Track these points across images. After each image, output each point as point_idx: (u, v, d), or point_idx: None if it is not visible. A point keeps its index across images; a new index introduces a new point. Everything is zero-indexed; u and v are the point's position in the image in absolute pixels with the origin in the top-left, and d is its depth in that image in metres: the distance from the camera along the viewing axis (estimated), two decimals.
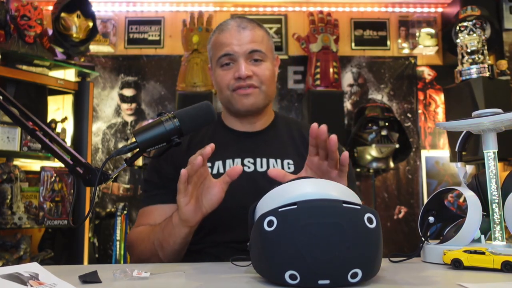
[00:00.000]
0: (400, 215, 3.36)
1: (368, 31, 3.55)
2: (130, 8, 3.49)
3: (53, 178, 2.35)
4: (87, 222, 2.60)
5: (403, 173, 3.40)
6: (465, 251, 0.78)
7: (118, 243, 2.89)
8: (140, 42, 3.46)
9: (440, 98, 3.47)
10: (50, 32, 2.53)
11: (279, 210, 0.64)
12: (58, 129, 2.55)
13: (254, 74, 1.15)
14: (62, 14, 2.52)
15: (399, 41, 3.53)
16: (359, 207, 0.64)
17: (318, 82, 3.15)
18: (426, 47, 3.43)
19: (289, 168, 1.17)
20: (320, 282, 0.61)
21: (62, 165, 1.04)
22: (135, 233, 1.14)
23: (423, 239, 0.91)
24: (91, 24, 2.63)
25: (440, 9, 3.55)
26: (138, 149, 0.87)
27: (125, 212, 2.96)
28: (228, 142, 1.20)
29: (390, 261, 0.89)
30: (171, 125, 0.87)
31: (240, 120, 1.23)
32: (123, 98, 3.41)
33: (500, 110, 0.87)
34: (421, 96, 3.50)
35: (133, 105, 3.41)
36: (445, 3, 3.50)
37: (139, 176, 3.30)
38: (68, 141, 2.54)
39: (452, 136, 2.90)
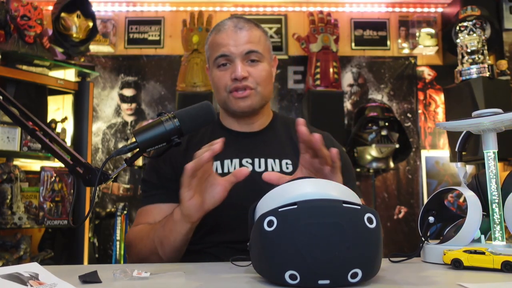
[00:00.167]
0: (400, 215, 3.36)
1: (368, 31, 3.55)
2: (130, 8, 3.49)
3: (53, 178, 2.35)
4: (87, 222, 2.61)
5: (403, 173, 3.40)
6: (465, 251, 0.78)
7: (118, 243, 2.89)
8: (140, 42, 3.47)
9: (440, 98, 3.47)
10: (50, 32, 2.53)
11: (279, 210, 0.64)
12: (58, 129, 2.55)
13: (250, 75, 1.15)
14: (62, 14, 2.52)
15: (399, 41, 3.53)
16: (359, 207, 0.64)
17: (318, 82, 3.15)
18: (426, 47, 3.43)
19: (287, 168, 1.17)
20: (320, 282, 0.61)
21: (62, 165, 1.04)
22: (133, 232, 1.14)
23: (423, 239, 0.91)
24: (91, 24, 2.63)
25: (440, 9, 3.55)
26: (138, 149, 0.87)
27: (125, 212, 2.96)
28: (227, 143, 1.19)
29: (390, 261, 0.89)
30: (171, 125, 0.87)
31: (238, 121, 1.23)
32: (123, 98, 3.41)
33: (500, 110, 0.87)
34: (421, 96, 3.50)
35: (133, 105, 3.41)
36: (445, 3, 3.50)
37: (139, 176, 3.30)
38: (68, 141, 2.54)
39: (452, 136, 2.90)
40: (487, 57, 2.84)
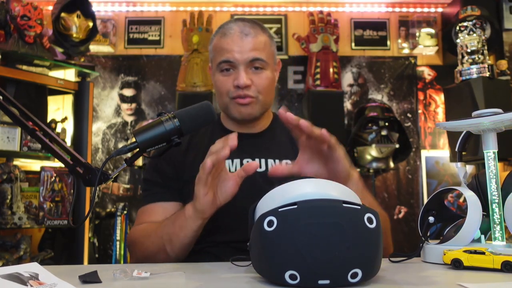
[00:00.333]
0: (400, 215, 3.36)
1: (368, 31, 3.55)
2: (130, 8, 3.49)
3: (53, 178, 2.35)
4: (87, 222, 2.61)
5: (403, 173, 3.40)
6: (465, 251, 0.78)
7: (118, 243, 2.89)
8: (140, 42, 3.47)
9: (440, 98, 3.47)
10: (50, 32, 2.53)
11: (279, 210, 0.64)
12: (58, 129, 2.56)
13: (252, 83, 1.15)
14: (62, 14, 2.52)
15: (399, 41, 3.53)
16: (359, 207, 0.64)
17: (318, 82, 3.15)
18: (426, 47, 3.43)
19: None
20: (320, 282, 0.61)
21: (62, 165, 1.04)
22: (137, 231, 1.13)
23: (423, 239, 0.91)
24: (91, 24, 2.63)
25: (440, 9, 3.55)
26: (138, 149, 0.87)
27: (125, 212, 2.96)
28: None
29: (390, 261, 0.89)
30: (171, 125, 0.87)
31: (239, 123, 1.24)
32: (123, 98, 3.41)
33: (500, 110, 0.87)
34: (421, 96, 3.50)
35: (133, 105, 3.41)
36: (445, 3, 3.50)
37: (139, 176, 3.31)
38: (68, 141, 2.54)
39: (452, 136, 2.90)
40: (487, 57, 2.84)
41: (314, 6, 3.50)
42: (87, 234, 2.48)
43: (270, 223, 0.63)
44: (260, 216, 0.65)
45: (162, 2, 3.49)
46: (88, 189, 2.41)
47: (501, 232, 0.87)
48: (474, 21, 2.91)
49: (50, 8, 2.82)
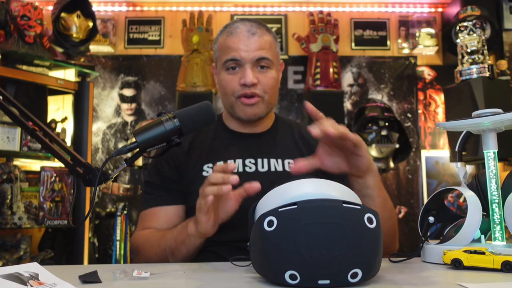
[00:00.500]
0: (400, 215, 3.36)
1: (368, 31, 3.55)
2: (130, 8, 3.49)
3: (53, 178, 2.35)
4: (87, 222, 2.61)
5: (403, 173, 3.40)
6: (465, 251, 0.78)
7: (118, 243, 2.89)
8: (140, 42, 3.46)
9: (440, 98, 3.47)
10: (50, 32, 2.53)
11: (279, 210, 0.64)
12: (58, 129, 2.56)
13: (258, 82, 1.15)
14: (62, 14, 2.52)
15: (399, 41, 3.53)
16: (359, 207, 0.64)
17: (318, 82, 3.15)
18: (426, 47, 3.42)
19: (290, 168, 1.17)
20: (320, 282, 0.61)
21: (62, 165, 1.04)
22: (141, 237, 1.14)
23: (423, 239, 0.91)
24: (91, 24, 2.64)
25: (440, 9, 3.55)
26: (138, 149, 0.87)
27: (125, 212, 2.96)
28: (230, 143, 1.21)
29: (390, 261, 0.89)
30: (171, 125, 0.87)
31: (242, 123, 1.24)
32: (123, 98, 3.41)
33: (500, 110, 0.87)
34: (421, 96, 3.50)
35: (133, 105, 3.41)
36: (445, 3, 3.50)
37: (139, 176, 3.30)
38: (68, 141, 2.54)
39: (452, 136, 2.90)
40: (487, 57, 2.84)
41: (314, 6, 3.49)
42: (87, 234, 2.48)
43: (270, 223, 0.63)
44: (260, 216, 0.65)
45: (162, 2, 3.49)
46: (88, 189, 2.41)
47: (501, 232, 0.87)
48: (474, 21, 2.91)
49: (50, 8, 2.82)
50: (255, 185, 0.91)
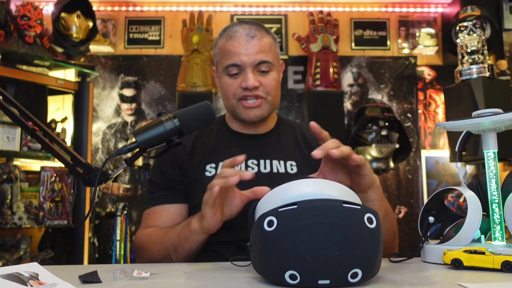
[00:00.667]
0: (400, 215, 3.36)
1: (368, 31, 3.55)
2: (130, 8, 3.49)
3: (53, 178, 2.35)
4: (87, 222, 2.61)
5: (403, 173, 3.40)
6: (465, 251, 0.78)
7: (118, 243, 2.89)
8: (140, 42, 3.47)
9: (440, 98, 3.47)
10: (50, 32, 2.53)
11: (279, 210, 0.64)
12: (58, 129, 2.56)
13: (260, 85, 1.16)
14: (62, 14, 2.52)
15: (399, 41, 3.53)
16: (359, 207, 0.64)
17: (318, 82, 3.15)
18: (426, 47, 3.43)
19: (292, 169, 1.18)
20: (320, 282, 0.61)
21: (62, 165, 1.04)
22: (144, 236, 1.14)
23: (423, 239, 0.91)
24: (91, 24, 2.63)
25: (440, 9, 3.55)
26: (138, 149, 0.87)
27: (125, 212, 2.95)
28: (232, 144, 1.22)
29: (390, 261, 0.89)
30: (171, 125, 0.87)
31: (245, 124, 1.24)
32: (123, 98, 3.41)
33: (500, 110, 0.87)
34: (421, 96, 3.50)
35: (133, 105, 3.41)
36: (445, 3, 3.50)
37: (139, 176, 3.30)
38: (68, 141, 2.54)
39: (452, 136, 2.90)
40: (487, 57, 2.84)
41: (314, 6, 3.49)
42: (87, 234, 2.48)
43: (270, 223, 0.63)
44: (260, 216, 0.65)
45: (162, 2, 3.49)
46: (88, 189, 2.41)
47: (501, 232, 0.87)
48: (474, 21, 2.91)
49: (50, 8, 2.82)
50: (265, 189, 0.91)
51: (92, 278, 0.68)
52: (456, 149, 1.00)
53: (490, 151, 0.89)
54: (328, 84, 3.16)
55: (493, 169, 0.89)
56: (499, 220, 0.87)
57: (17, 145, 2.29)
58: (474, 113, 0.89)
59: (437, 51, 3.50)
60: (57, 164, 2.45)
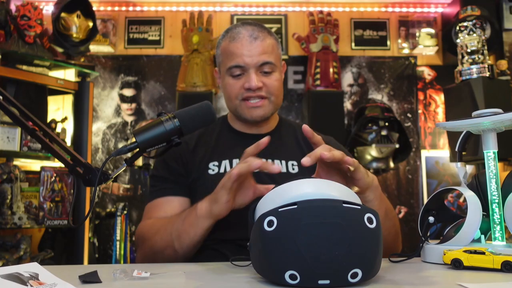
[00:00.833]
0: (400, 215, 3.36)
1: (368, 31, 3.55)
2: (130, 8, 3.49)
3: (53, 178, 2.35)
4: (87, 222, 2.61)
5: (403, 173, 3.40)
6: (465, 251, 0.78)
7: (118, 243, 2.89)
8: (140, 42, 3.47)
9: (440, 98, 3.47)
10: (50, 32, 2.53)
11: (279, 210, 0.64)
12: (58, 129, 2.56)
13: (264, 85, 1.17)
14: (62, 14, 2.52)
15: (399, 41, 3.53)
16: (359, 207, 0.64)
17: (318, 82, 3.15)
18: (426, 47, 3.43)
19: (293, 169, 1.19)
20: (320, 282, 0.61)
21: (62, 165, 1.04)
22: (146, 226, 1.14)
23: (423, 239, 0.91)
24: (91, 24, 2.63)
25: (440, 9, 3.55)
26: (138, 149, 0.87)
27: (125, 212, 2.95)
28: (235, 143, 1.22)
29: (390, 261, 0.89)
30: (171, 125, 0.87)
31: (247, 124, 1.25)
32: (123, 98, 3.41)
33: (500, 110, 0.87)
34: (421, 96, 3.50)
35: (133, 105, 3.41)
36: (445, 3, 3.50)
37: (139, 176, 3.30)
38: (68, 141, 2.54)
39: (452, 136, 2.90)
40: (487, 57, 2.84)
41: (314, 6, 3.49)
42: (87, 234, 2.49)
43: (270, 223, 0.63)
44: (260, 216, 0.65)
45: (162, 2, 3.49)
46: (88, 189, 2.41)
47: (501, 232, 0.87)
48: (474, 21, 2.91)
49: (50, 8, 2.82)
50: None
51: (92, 278, 0.68)
52: (456, 149, 1.00)
53: (490, 151, 0.89)
54: (328, 84, 3.16)
55: (493, 169, 0.89)
56: (499, 220, 0.87)
57: (17, 145, 2.29)
58: (474, 113, 0.89)
59: (437, 51, 3.50)
60: (57, 164, 2.45)
